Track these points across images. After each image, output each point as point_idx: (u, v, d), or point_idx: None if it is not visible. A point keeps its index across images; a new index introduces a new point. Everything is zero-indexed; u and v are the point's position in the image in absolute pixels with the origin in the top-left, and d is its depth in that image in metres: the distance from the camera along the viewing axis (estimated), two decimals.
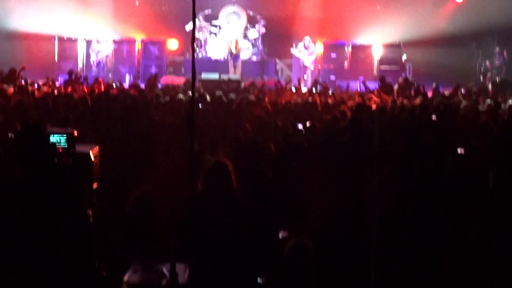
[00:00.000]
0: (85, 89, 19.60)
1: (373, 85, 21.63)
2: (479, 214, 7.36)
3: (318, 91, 20.08)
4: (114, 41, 28.20)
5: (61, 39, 28.37)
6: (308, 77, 26.27)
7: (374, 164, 9.77)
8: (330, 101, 17.75)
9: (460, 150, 10.83)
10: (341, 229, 7.99)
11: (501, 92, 21.71)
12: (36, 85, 20.03)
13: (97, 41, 27.67)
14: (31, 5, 28.48)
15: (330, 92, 20.31)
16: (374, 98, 18.97)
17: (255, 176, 8.80)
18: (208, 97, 18.09)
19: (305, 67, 27.18)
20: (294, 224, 8.19)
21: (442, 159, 10.16)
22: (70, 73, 23.16)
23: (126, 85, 22.84)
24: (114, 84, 21.63)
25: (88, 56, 28.08)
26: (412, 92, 21.11)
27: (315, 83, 21.35)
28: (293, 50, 27.58)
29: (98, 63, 27.58)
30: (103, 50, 27.67)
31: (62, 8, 28.87)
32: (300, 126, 13.30)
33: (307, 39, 27.27)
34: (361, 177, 9.43)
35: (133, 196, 7.82)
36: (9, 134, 8.93)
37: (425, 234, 7.17)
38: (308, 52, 27.23)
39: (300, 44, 27.45)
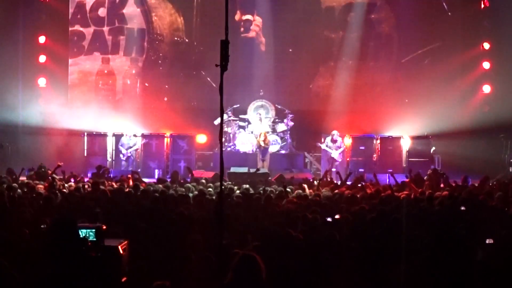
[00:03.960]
0: (114, 184, 19.78)
1: (401, 178, 21.62)
2: None
3: (356, 184, 20.10)
4: (143, 136, 28.44)
5: (90, 134, 28.72)
6: (336, 170, 26.26)
7: (403, 255, 9.75)
8: (360, 193, 17.76)
9: (488, 241, 10.77)
10: None
11: None
12: (64, 180, 20.25)
13: (127, 135, 27.86)
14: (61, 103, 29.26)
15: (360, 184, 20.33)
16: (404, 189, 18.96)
17: (285, 269, 8.78)
18: (236, 190, 18.20)
19: (334, 160, 27.20)
20: None
21: (472, 250, 10.10)
22: (99, 168, 23.39)
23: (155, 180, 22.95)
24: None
25: (117, 150, 28.32)
26: (441, 184, 21.08)
27: (348, 176, 21.46)
28: (321, 145, 27.69)
29: (128, 158, 27.71)
30: (133, 145, 27.85)
31: (92, 104, 29.56)
32: (329, 219, 13.29)
33: (335, 133, 27.42)
34: (390, 269, 9.40)
35: None
36: (42, 226, 9.04)
37: None
38: (335, 146, 27.34)
39: (328, 138, 27.60)
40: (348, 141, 28.32)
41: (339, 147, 27.36)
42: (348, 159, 28.17)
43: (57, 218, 7.00)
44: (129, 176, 21.94)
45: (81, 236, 5.79)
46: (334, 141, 27.33)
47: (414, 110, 28.82)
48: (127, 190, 17.48)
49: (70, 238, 5.46)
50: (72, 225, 5.57)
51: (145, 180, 22.46)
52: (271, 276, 8.04)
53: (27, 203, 14.54)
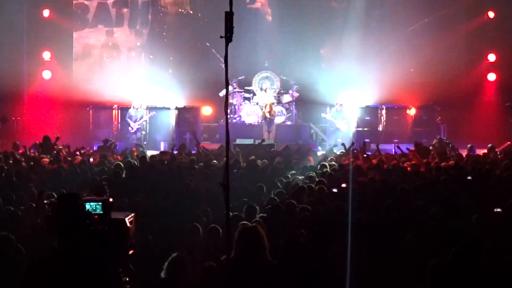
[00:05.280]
0: (119, 158, 19.81)
1: (407, 148, 21.61)
2: None
3: (355, 154, 20.09)
4: (149, 108, 28.35)
5: (95, 107, 28.71)
6: (342, 141, 26.16)
7: (409, 226, 9.75)
8: (365, 164, 17.77)
9: (496, 210, 10.77)
10: None
11: None
12: (69, 154, 20.26)
13: (134, 108, 27.81)
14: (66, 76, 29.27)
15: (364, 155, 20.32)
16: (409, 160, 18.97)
17: (291, 241, 8.79)
18: (242, 162, 18.22)
19: (339, 131, 27.21)
20: None
21: (478, 219, 10.09)
22: (105, 141, 23.41)
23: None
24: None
25: (122, 123, 28.28)
26: (447, 153, 21.06)
27: (350, 146, 21.37)
28: (325, 115, 27.67)
29: (137, 130, 27.62)
30: (140, 117, 27.75)
31: (97, 77, 29.51)
32: (335, 190, 13.31)
33: (339, 103, 27.39)
34: (396, 239, 9.41)
35: (167, 263, 7.89)
36: (45, 202, 9.04)
37: None
38: (340, 116, 27.32)
39: (333, 109, 27.57)
40: (353, 111, 28.25)
41: (344, 118, 27.35)
42: (353, 129, 28.13)
43: (63, 193, 7.01)
44: (133, 149, 21.91)
45: (86, 209, 5.77)
46: (339, 111, 27.35)
47: (420, 79, 28.72)
48: (132, 162, 17.51)
49: (75, 212, 5.44)
50: (77, 198, 5.55)
51: (150, 152, 22.48)
52: (277, 247, 8.06)
53: (33, 177, 14.58)
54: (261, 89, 29.28)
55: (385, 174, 15.58)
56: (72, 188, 12.23)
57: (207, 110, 29.77)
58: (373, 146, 22.81)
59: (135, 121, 27.46)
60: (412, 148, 21.34)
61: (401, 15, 30.10)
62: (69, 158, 18.94)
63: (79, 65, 30.76)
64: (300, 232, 9.18)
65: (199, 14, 31.20)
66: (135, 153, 20.90)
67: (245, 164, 17.84)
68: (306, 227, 9.72)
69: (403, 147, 21.55)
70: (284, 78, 29.56)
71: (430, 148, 22.17)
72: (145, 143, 26.97)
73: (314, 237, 9.43)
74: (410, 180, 14.61)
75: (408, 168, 17.02)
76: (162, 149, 26.03)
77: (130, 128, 27.48)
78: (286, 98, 29.26)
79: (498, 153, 20.73)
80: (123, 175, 15.56)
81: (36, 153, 19.96)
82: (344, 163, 17.71)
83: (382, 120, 28.58)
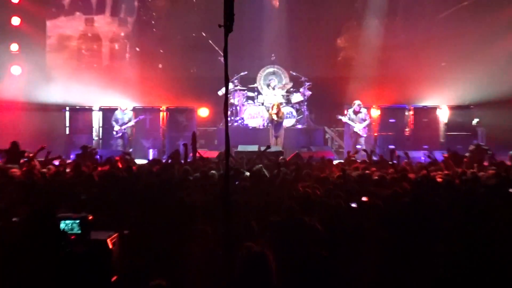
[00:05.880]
0: (100, 168, 19.76)
1: (439, 155, 21.56)
2: None
3: (375, 163, 20.06)
4: (135, 110, 28.33)
5: (72, 109, 28.70)
6: (362, 147, 26.10)
7: (441, 247, 9.71)
8: (389, 174, 17.72)
9: None
10: None
11: None
12: (42, 163, 20.23)
13: (121, 110, 27.78)
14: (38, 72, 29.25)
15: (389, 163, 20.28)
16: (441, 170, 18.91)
17: (299, 265, 8.76)
18: (246, 172, 18.17)
19: (358, 135, 27.03)
20: None
21: None
22: (84, 148, 23.36)
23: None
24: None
25: (105, 127, 28.27)
26: (485, 162, 21.00)
27: (371, 154, 21.30)
28: (343, 117, 27.54)
29: (123, 135, 27.62)
30: (128, 120, 27.71)
31: (74, 73, 29.51)
32: (354, 204, 13.26)
33: (358, 102, 27.20)
34: (425, 263, 9.37)
35: None
36: (14, 220, 9.03)
37: None
38: (359, 118, 27.18)
39: (350, 109, 27.41)
40: (375, 112, 28.23)
41: (364, 120, 27.23)
42: (375, 134, 28.09)
43: (34, 207, 6.99)
44: (117, 158, 21.81)
45: (61, 229, 5.76)
46: (357, 112, 27.20)
47: (453, 75, 28.67)
48: (117, 173, 17.47)
49: (48, 231, 5.44)
50: (50, 215, 5.54)
51: (138, 161, 22.45)
52: (284, 273, 8.03)
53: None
54: (268, 86, 29.28)
55: (413, 186, 15.52)
56: (45, 203, 12.19)
57: (203, 112, 29.78)
58: (399, 153, 22.74)
59: (121, 126, 27.43)
60: (446, 155, 21.29)
61: None
62: (43, 170, 18.89)
63: (53, 59, 30.78)
64: (316, 254, 9.14)
65: (194, 0, 31.22)
66: (120, 163, 20.82)
67: (248, 175, 17.79)
68: (320, 249, 9.67)
69: (438, 155, 21.46)
70: (294, 73, 29.57)
71: (466, 155, 22.12)
72: (131, 150, 26.92)
73: (330, 260, 9.39)
74: (442, 194, 14.54)
75: (440, 179, 16.95)
76: (151, 157, 25.98)
77: (114, 132, 27.45)
78: (297, 98, 29.25)
79: None
80: (106, 188, 15.52)
81: (1, 162, 19.93)
82: (365, 173, 17.66)
83: (409, 123, 28.55)
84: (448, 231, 10.93)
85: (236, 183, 15.87)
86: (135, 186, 15.48)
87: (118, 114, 27.70)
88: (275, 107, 27.50)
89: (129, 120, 27.70)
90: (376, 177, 16.68)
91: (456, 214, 11.95)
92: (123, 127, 27.53)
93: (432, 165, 19.76)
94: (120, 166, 20.11)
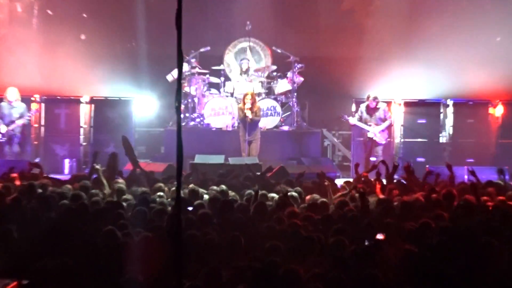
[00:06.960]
0: None
1: (491, 173, 21.50)
2: None
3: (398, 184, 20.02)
4: (44, 101, 28.20)
5: None
6: (379, 159, 25.92)
7: None
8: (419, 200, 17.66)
9: None
10: None
11: None
12: None
13: (8, 101, 27.37)
14: None
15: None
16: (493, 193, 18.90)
17: None
18: (205, 195, 18.13)
19: (374, 143, 26.91)
20: None
21: None
22: None
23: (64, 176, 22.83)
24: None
25: None
26: None
27: (394, 170, 21.20)
28: (350, 118, 27.40)
29: (11, 138, 27.19)
30: (19, 116, 27.27)
31: None
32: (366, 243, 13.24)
33: (373, 96, 27.02)
34: None
35: None
36: None
37: None
38: (376, 119, 27.04)
39: (363, 105, 27.25)
40: (398, 110, 28.22)
41: (383, 120, 27.10)
42: (398, 140, 28.14)
43: None
44: (14, 175, 21.45)
45: None
46: (373, 109, 27.05)
47: (510, 54, 28.71)
48: (13, 196, 17.31)
49: None
50: None
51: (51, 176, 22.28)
52: None
53: None
54: (240, 69, 29.26)
55: (452, 215, 15.48)
56: None
57: (145, 105, 29.74)
58: (431, 168, 22.66)
59: (8, 123, 27.05)
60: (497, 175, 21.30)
61: None
62: None
63: None
64: None
65: None
66: (18, 181, 20.49)
67: (208, 199, 17.75)
68: None
69: (485, 173, 21.38)
70: (278, 50, 29.57)
71: None
72: (37, 160, 26.80)
73: None
74: (493, 227, 14.48)
75: (490, 207, 16.95)
76: (67, 170, 25.93)
77: None
78: (282, 86, 29.27)
79: None
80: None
81: None
82: (381, 198, 17.62)
83: (447, 125, 28.56)
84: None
85: (191, 209, 15.86)
86: (42, 216, 15.37)
87: (4, 107, 27.40)
88: (248, 98, 27.23)
89: (21, 116, 27.30)
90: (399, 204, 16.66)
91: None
92: (11, 127, 27.16)
93: (483, 186, 19.72)
94: (18, 184, 19.85)
